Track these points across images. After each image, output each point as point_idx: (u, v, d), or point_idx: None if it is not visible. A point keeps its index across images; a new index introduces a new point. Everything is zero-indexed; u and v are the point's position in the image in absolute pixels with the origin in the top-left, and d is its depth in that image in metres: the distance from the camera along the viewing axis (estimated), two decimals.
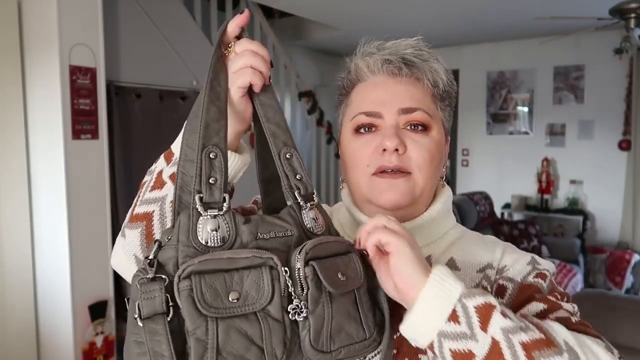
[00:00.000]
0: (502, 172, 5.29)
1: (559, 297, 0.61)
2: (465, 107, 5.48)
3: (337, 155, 5.02)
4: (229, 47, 0.60)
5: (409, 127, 0.66)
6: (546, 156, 4.95)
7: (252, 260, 0.50)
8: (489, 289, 0.64)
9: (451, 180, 5.63)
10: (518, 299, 0.61)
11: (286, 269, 0.51)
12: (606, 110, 4.68)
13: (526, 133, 5.13)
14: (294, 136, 4.57)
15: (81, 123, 2.60)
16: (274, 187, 0.65)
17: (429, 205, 0.70)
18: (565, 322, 0.55)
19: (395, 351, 0.63)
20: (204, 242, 0.51)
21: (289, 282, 0.51)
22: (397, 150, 0.64)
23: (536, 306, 0.59)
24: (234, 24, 0.59)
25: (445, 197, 0.72)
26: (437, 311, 0.51)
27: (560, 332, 0.52)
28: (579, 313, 0.61)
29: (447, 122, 0.70)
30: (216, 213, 0.52)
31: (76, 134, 2.58)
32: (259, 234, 0.53)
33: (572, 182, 4.87)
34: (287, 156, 0.59)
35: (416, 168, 0.65)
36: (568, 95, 4.88)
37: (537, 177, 4.97)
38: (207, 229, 0.51)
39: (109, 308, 2.75)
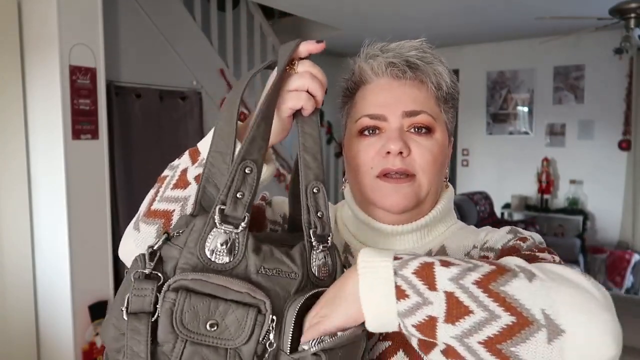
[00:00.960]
0: (502, 172, 5.28)
1: (535, 250, 0.59)
2: (465, 107, 5.48)
3: (337, 155, 5.04)
4: (292, 65, 0.58)
5: (412, 130, 0.66)
6: (546, 156, 4.95)
7: (243, 297, 0.48)
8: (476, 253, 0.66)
9: (451, 180, 5.62)
10: (502, 257, 0.59)
11: (274, 317, 0.49)
12: (606, 110, 4.68)
13: (526, 133, 5.13)
14: (294, 136, 4.58)
15: (81, 123, 2.60)
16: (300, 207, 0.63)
17: (433, 205, 0.70)
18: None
19: (389, 343, 0.62)
20: (208, 255, 0.50)
21: (271, 331, 0.48)
22: (401, 153, 0.64)
23: (514, 260, 0.54)
24: (306, 49, 0.57)
25: (448, 197, 0.73)
26: (383, 298, 0.48)
27: (511, 260, 0.51)
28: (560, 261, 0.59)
29: (450, 124, 0.70)
30: (231, 230, 0.51)
31: (76, 134, 2.58)
32: (262, 267, 0.51)
33: (572, 182, 4.87)
34: (314, 190, 0.58)
35: (420, 170, 0.65)
36: (568, 95, 4.88)
37: (537, 177, 4.96)
38: (217, 242, 0.50)
39: (109, 308, 2.75)
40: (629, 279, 4.33)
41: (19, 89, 2.66)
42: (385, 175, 0.65)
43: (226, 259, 0.50)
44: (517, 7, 3.76)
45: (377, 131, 0.67)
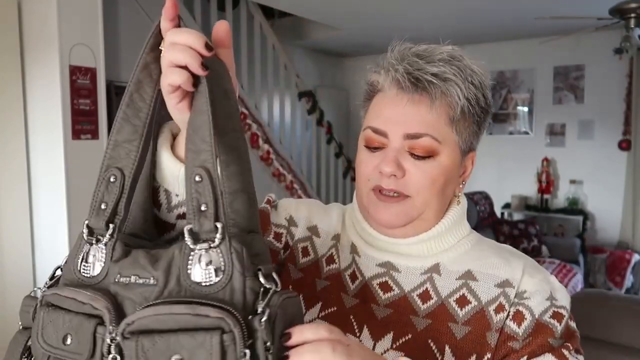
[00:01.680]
0: (502, 172, 5.28)
1: (571, 348, 0.60)
2: None
3: (337, 155, 5.04)
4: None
5: (412, 154, 0.64)
6: (546, 156, 4.95)
7: (86, 308, 0.45)
8: (507, 308, 0.62)
9: None
10: (534, 337, 0.60)
11: (112, 326, 0.43)
12: (606, 110, 4.68)
13: (526, 133, 5.13)
14: (294, 136, 4.60)
15: (81, 123, 2.60)
16: None
17: (437, 219, 0.68)
18: None
19: (402, 355, 0.61)
20: (80, 269, 0.49)
21: (105, 348, 0.43)
22: (394, 175, 0.63)
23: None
24: (165, 21, 0.48)
25: (456, 211, 0.70)
26: None
27: None
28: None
29: (465, 143, 0.67)
30: (94, 242, 0.49)
31: (76, 134, 2.58)
32: (119, 274, 0.46)
33: (572, 182, 4.87)
34: (196, 178, 0.47)
35: (414, 192, 0.64)
36: (568, 95, 4.88)
37: (537, 177, 4.96)
38: (85, 255, 0.49)
39: None
40: (629, 279, 4.33)
41: (19, 89, 2.66)
42: (379, 190, 0.65)
43: (94, 272, 0.48)
44: (517, 7, 3.76)
45: (379, 148, 0.66)
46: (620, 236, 4.67)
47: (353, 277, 0.68)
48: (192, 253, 0.45)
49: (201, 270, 0.44)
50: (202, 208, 0.46)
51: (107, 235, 0.48)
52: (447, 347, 0.60)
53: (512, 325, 0.61)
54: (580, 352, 0.61)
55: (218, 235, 0.44)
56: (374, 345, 0.63)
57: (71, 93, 2.55)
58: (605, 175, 4.72)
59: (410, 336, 0.62)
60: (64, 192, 2.55)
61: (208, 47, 0.46)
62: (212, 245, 0.44)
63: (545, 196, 4.94)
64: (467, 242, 0.70)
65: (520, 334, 0.60)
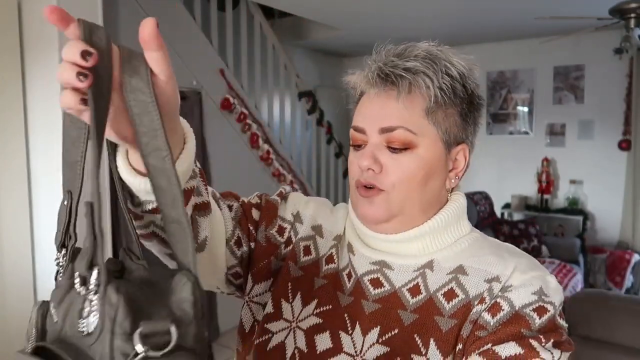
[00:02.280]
0: (502, 172, 5.28)
1: (543, 341, 0.57)
2: None
3: (337, 155, 5.04)
4: None
5: (389, 148, 0.65)
6: (546, 156, 4.94)
7: None
8: (487, 300, 0.61)
9: None
10: (504, 326, 0.59)
11: None
12: (606, 110, 4.68)
13: (526, 133, 5.13)
14: (294, 136, 4.60)
15: None
16: None
17: (429, 215, 0.68)
18: None
19: (388, 350, 0.62)
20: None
21: None
22: (372, 169, 0.64)
23: (512, 349, 0.56)
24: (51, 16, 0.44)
25: (453, 206, 0.70)
26: None
27: None
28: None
29: (447, 133, 0.67)
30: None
31: None
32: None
33: (572, 182, 4.87)
34: (64, 202, 0.44)
35: (390, 186, 0.64)
36: (568, 95, 4.88)
37: (537, 177, 4.96)
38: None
39: None
40: (629, 279, 4.33)
41: (19, 89, 2.66)
42: (361, 186, 0.66)
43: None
44: (517, 7, 3.76)
45: (361, 146, 0.68)
46: (620, 236, 4.67)
47: (349, 276, 0.69)
48: (83, 296, 0.39)
49: (82, 318, 0.39)
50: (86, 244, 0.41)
51: (62, 260, 0.45)
52: (431, 340, 0.61)
53: (486, 316, 0.60)
54: (562, 347, 0.59)
55: (93, 281, 0.39)
56: (363, 340, 0.63)
57: None
58: (605, 175, 4.72)
59: (396, 331, 0.62)
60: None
61: (85, 55, 0.41)
62: (90, 291, 0.39)
63: (545, 196, 4.94)
64: (465, 241, 0.69)
65: (492, 324, 0.59)
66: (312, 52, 5.69)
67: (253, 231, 0.73)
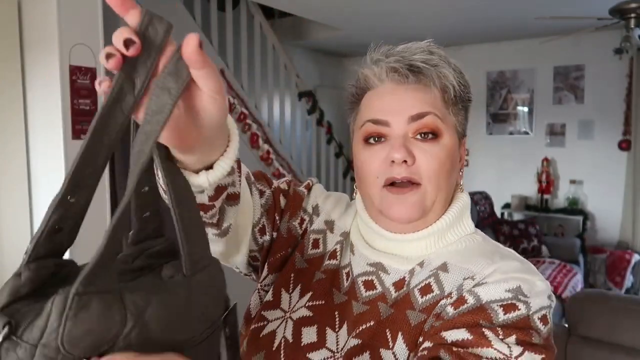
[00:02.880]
0: (502, 172, 5.28)
1: (500, 333, 0.54)
2: None
3: (337, 155, 5.04)
4: None
5: (418, 137, 0.64)
6: (546, 156, 4.94)
7: None
8: (454, 295, 0.60)
9: None
10: (463, 316, 0.56)
11: None
12: (606, 110, 4.68)
13: (526, 133, 5.13)
14: (294, 136, 4.60)
15: (81, 123, 2.60)
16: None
17: (442, 213, 0.67)
18: None
19: (359, 342, 0.61)
20: None
21: None
22: (405, 161, 0.62)
23: (460, 334, 0.54)
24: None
25: (459, 204, 0.69)
26: None
27: None
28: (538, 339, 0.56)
29: (460, 126, 0.69)
30: None
31: (76, 134, 2.58)
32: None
33: (572, 182, 4.87)
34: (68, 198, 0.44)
35: (426, 178, 0.63)
36: (568, 95, 4.88)
37: (537, 177, 4.96)
38: None
39: None
40: (629, 279, 4.33)
41: (19, 89, 2.66)
42: (390, 184, 0.64)
43: None
44: (517, 7, 3.76)
45: (382, 139, 0.65)
46: (620, 236, 4.66)
47: (348, 275, 0.69)
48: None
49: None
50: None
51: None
52: (399, 334, 0.60)
53: (449, 308, 0.58)
54: (529, 347, 0.54)
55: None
56: (347, 340, 0.63)
57: (71, 93, 2.55)
58: (605, 175, 4.72)
59: (372, 323, 0.62)
60: None
61: (128, 43, 0.42)
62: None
63: (545, 196, 4.94)
64: (464, 242, 0.67)
65: (450, 315, 0.57)
66: (312, 52, 5.69)
67: (278, 221, 0.73)
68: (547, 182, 4.91)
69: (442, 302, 0.60)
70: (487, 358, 0.52)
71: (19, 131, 2.67)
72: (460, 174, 0.71)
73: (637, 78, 4.50)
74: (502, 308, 0.56)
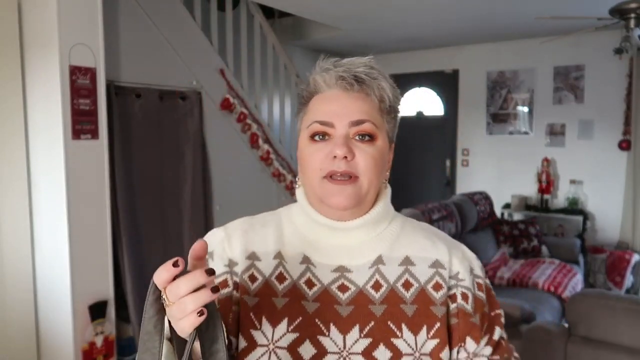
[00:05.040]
0: (502, 172, 5.28)
1: (499, 317, 0.82)
2: (465, 107, 5.48)
3: None
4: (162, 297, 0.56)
5: (357, 137, 0.73)
6: (546, 156, 4.94)
7: None
8: (444, 286, 0.76)
9: (451, 180, 5.64)
10: (476, 310, 0.77)
11: None
12: (606, 110, 4.68)
13: (526, 133, 5.13)
14: (294, 136, 4.59)
15: (81, 123, 2.60)
16: None
17: (373, 203, 0.78)
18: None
19: (371, 340, 0.71)
20: None
21: None
22: (345, 157, 0.71)
23: (498, 333, 0.80)
24: (162, 279, 0.55)
25: (387, 196, 0.81)
26: None
27: None
28: (505, 336, 0.82)
29: (391, 133, 0.79)
30: None
31: (76, 134, 2.58)
32: None
33: (572, 182, 4.87)
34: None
35: (362, 173, 0.73)
36: (568, 95, 4.88)
37: (537, 177, 4.96)
38: None
39: (109, 308, 2.75)
40: (629, 279, 4.33)
41: (19, 89, 2.66)
42: (331, 176, 0.72)
43: None
44: (517, 7, 3.76)
45: (326, 137, 0.74)
46: (620, 236, 4.66)
47: (309, 284, 0.75)
48: None
49: None
50: None
51: None
52: (403, 325, 0.72)
53: (465, 304, 0.77)
54: (497, 317, 0.82)
55: None
56: (344, 338, 0.71)
57: (71, 93, 2.55)
58: (605, 175, 4.72)
59: (372, 323, 0.72)
60: (64, 192, 2.55)
61: (213, 289, 0.55)
62: None
63: (545, 196, 4.94)
64: (395, 227, 0.81)
65: (470, 309, 0.77)
66: (312, 52, 5.69)
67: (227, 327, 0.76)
68: (547, 182, 4.91)
69: (439, 293, 0.76)
70: (503, 337, 0.82)
71: (19, 131, 2.66)
72: (388, 172, 0.81)
73: (637, 78, 4.50)
74: (480, 291, 0.80)
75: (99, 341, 2.70)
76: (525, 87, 5.09)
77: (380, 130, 0.75)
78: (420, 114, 5.90)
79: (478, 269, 0.81)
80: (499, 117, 5.27)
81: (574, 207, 4.78)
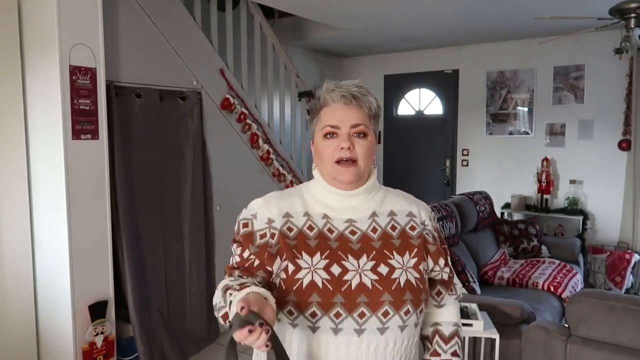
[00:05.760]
0: (502, 172, 5.29)
1: (446, 251, 1.21)
2: (465, 107, 5.48)
3: None
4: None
5: (355, 135, 1.10)
6: (546, 156, 4.95)
7: None
8: (418, 228, 1.16)
9: (451, 180, 5.64)
10: (436, 240, 1.18)
11: None
12: (606, 110, 4.68)
13: (526, 133, 5.13)
14: (294, 136, 4.60)
15: (81, 123, 2.60)
16: None
17: (367, 178, 1.16)
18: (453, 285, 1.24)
19: (375, 262, 1.08)
20: None
21: None
22: (349, 148, 1.08)
23: (442, 260, 1.19)
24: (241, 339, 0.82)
25: (375, 173, 1.19)
26: None
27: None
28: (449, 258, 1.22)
29: (376, 131, 1.16)
30: None
31: (76, 134, 2.58)
32: None
33: (572, 182, 4.87)
34: None
35: (360, 158, 1.10)
36: (568, 95, 4.88)
37: (537, 177, 4.97)
38: None
39: (109, 308, 2.75)
40: (629, 279, 4.33)
41: (19, 89, 2.66)
42: (339, 162, 1.09)
43: None
44: (517, 7, 3.76)
45: (335, 135, 1.10)
46: (620, 236, 4.67)
47: (330, 231, 1.12)
48: None
49: None
50: None
51: None
52: (393, 251, 1.11)
53: (430, 239, 1.17)
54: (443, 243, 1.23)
55: None
56: (358, 262, 1.07)
57: (71, 93, 2.55)
58: (605, 175, 4.72)
59: (374, 252, 1.10)
60: (64, 192, 2.55)
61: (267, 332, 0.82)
62: None
63: (545, 196, 4.94)
64: (382, 193, 1.19)
65: (432, 241, 1.17)
66: (312, 52, 5.70)
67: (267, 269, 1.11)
68: (547, 182, 4.91)
69: (415, 232, 1.15)
70: (451, 269, 1.23)
71: (19, 131, 2.66)
72: (374, 159, 1.17)
73: (637, 78, 4.50)
74: (437, 232, 1.21)
75: (99, 341, 2.70)
76: (525, 87, 5.09)
77: (370, 130, 1.12)
78: (420, 113, 5.91)
79: (434, 218, 1.22)
80: (499, 117, 5.27)
81: (574, 207, 4.78)
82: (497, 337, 2.20)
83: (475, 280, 3.11)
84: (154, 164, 3.14)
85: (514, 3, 3.67)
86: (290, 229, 1.11)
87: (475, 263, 3.55)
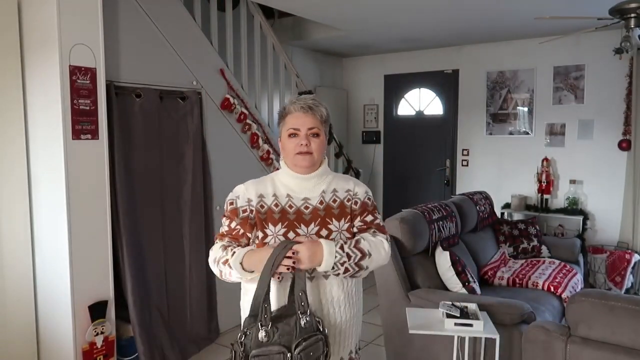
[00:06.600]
0: (502, 172, 5.28)
1: (376, 212, 1.65)
2: (465, 107, 5.48)
3: (337, 155, 5.04)
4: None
5: (311, 135, 1.54)
6: (546, 156, 4.95)
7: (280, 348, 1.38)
8: (352, 199, 1.60)
9: (451, 180, 5.64)
10: (362, 206, 1.61)
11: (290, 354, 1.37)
12: (606, 110, 4.68)
13: (526, 133, 5.13)
14: None
15: (81, 123, 2.60)
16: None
17: (319, 165, 1.59)
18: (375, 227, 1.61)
19: (319, 227, 1.55)
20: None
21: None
22: (306, 144, 1.53)
23: (370, 216, 1.62)
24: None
25: (325, 162, 1.62)
26: (331, 253, 1.46)
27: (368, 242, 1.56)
28: (380, 217, 1.64)
29: (327, 132, 1.60)
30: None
31: (76, 134, 2.58)
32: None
33: (572, 182, 4.87)
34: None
35: (314, 151, 1.54)
36: (568, 95, 4.88)
37: (537, 177, 4.96)
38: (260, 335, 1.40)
39: (109, 308, 2.75)
40: (629, 279, 4.33)
41: (19, 89, 2.66)
42: (299, 153, 1.54)
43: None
44: (517, 7, 3.76)
45: (296, 135, 1.54)
46: (620, 236, 4.66)
47: (290, 206, 1.55)
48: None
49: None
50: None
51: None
52: (333, 219, 1.56)
53: (358, 203, 1.61)
54: (379, 214, 1.66)
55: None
56: (307, 228, 1.54)
57: (71, 93, 2.55)
58: (605, 175, 4.72)
59: (319, 219, 1.55)
60: (64, 192, 2.55)
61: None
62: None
63: (545, 196, 4.94)
64: (330, 177, 1.62)
65: (357, 208, 1.61)
66: (312, 52, 5.69)
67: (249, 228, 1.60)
68: (547, 182, 4.91)
69: (349, 203, 1.60)
70: (377, 222, 1.63)
71: (19, 131, 2.67)
72: (325, 152, 1.61)
73: (637, 78, 4.50)
74: (368, 200, 1.64)
75: (99, 341, 2.70)
76: (525, 87, 5.09)
77: (322, 132, 1.57)
78: (420, 114, 5.91)
79: (368, 194, 1.64)
80: (498, 117, 5.27)
81: (574, 207, 4.78)
82: (497, 337, 2.20)
83: (475, 280, 3.11)
84: (154, 164, 3.14)
85: (514, 3, 3.67)
86: (262, 206, 1.55)
87: (475, 263, 3.55)
